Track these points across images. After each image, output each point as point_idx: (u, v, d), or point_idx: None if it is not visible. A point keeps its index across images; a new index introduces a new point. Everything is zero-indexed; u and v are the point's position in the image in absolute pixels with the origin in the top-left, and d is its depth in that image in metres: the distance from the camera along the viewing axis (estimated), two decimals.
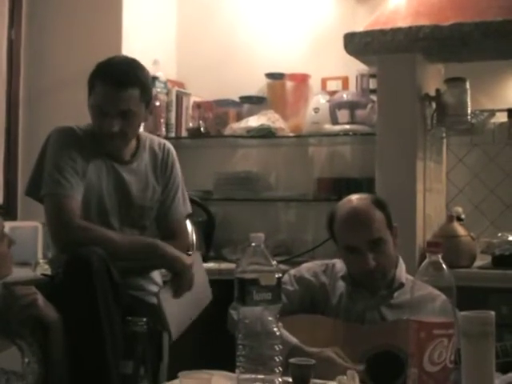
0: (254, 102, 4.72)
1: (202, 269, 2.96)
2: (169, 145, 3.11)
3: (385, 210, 2.70)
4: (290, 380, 2.17)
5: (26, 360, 2.28)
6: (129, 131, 2.87)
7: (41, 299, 2.39)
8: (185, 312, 2.90)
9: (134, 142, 2.99)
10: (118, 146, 2.91)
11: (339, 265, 2.78)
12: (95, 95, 2.83)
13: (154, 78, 4.49)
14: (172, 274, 2.87)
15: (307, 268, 2.82)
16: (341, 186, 4.35)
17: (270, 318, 1.91)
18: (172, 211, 3.04)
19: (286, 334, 2.45)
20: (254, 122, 4.53)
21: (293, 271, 2.82)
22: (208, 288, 3.00)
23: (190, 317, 2.94)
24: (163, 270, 3.02)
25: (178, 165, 3.09)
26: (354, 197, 2.76)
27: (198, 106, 4.75)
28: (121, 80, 2.80)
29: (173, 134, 4.68)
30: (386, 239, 2.66)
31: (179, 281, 2.83)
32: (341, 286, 2.73)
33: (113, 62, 2.91)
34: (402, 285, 2.66)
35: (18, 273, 2.91)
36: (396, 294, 2.66)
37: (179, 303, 2.83)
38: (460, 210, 4.10)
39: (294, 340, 2.48)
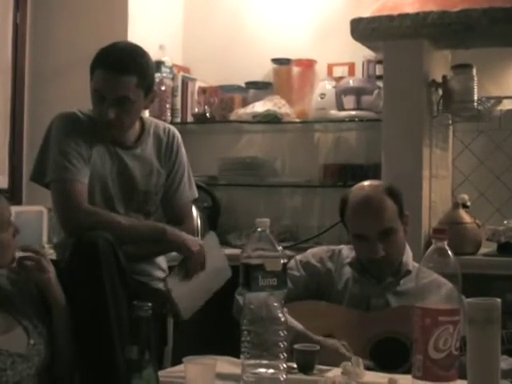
0: (260, 88, 4.71)
1: (217, 247, 2.97)
2: (174, 130, 3.10)
3: (397, 199, 2.68)
4: (295, 366, 2.18)
5: (32, 342, 2.29)
6: (125, 118, 2.85)
7: (55, 279, 2.41)
8: (198, 291, 2.92)
9: (138, 127, 2.99)
10: (114, 134, 2.90)
11: (346, 251, 2.78)
12: (94, 80, 2.83)
13: (160, 63, 4.49)
14: (182, 256, 2.89)
15: (313, 254, 2.82)
16: (346, 173, 4.36)
17: (275, 304, 1.91)
18: (178, 196, 3.04)
19: (292, 320, 2.44)
20: (259, 107, 4.52)
21: (299, 257, 2.82)
22: (225, 264, 3.01)
23: (208, 292, 2.96)
24: (170, 255, 3.03)
25: (183, 150, 3.08)
26: (367, 184, 2.75)
27: (203, 91, 4.74)
28: (117, 66, 2.79)
29: (178, 120, 4.67)
30: (397, 228, 2.65)
31: (188, 264, 2.85)
32: (347, 271, 2.72)
33: (113, 48, 2.89)
34: (408, 272, 2.66)
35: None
36: (402, 282, 2.66)
37: (191, 284, 2.85)
38: (466, 196, 4.10)
39: (299, 326, 2.48)
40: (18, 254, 2.41)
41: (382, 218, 2.62)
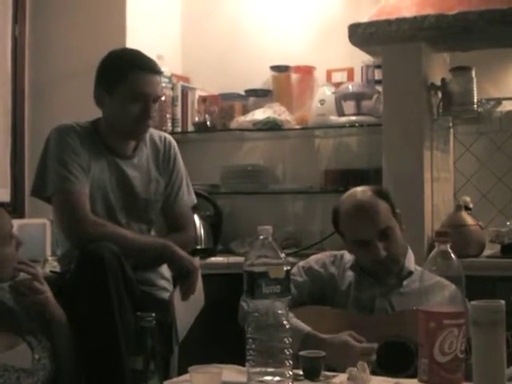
0: (260, 95, 4.71)
1: (200, 275, 2.96)
2: (170, 138, 3.12)
3: (388, 199, 2.72)
4: (301, 372, 2.18)
5: (37, 357, 2.29)
6: (154, 116, 2.98)
7: (52, 298, 2.40)
8: (187, 316, 2.91)
9: None
10: (143, 134, 2.95)
11: (347, 256, 2.80)
12: (133, 82, 2.85)
13: None
14: (179, 276, 2.88)
15: (316, 259, 2.83)
16: (348, 178, 4.34)
17: (279, 311, 1.91)
18: (177, 203, 3.06)
19: (299, 322, 2.46)
20: (259, 114, 4.52)
21: (301, 263, 2.83)
22: (202, 294, 3.00)
23: (190, 322, 2.95)
24: None
25: (180, 157, 3.10)
26: (356, 190, 2.77)
27: (203, 100, 4.74)
28: (152, 67, 2.91)
29: (179, 129, 4.68)
30: (393, 227, 2.67)
31: (188, 283, 2.83)
32: (350, 275, 2.74)
33: (134, 52, 2.99)
34: (410, 273, 2.68)
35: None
36: (405, 283, 2.67)
37: (184, 307, 2.84)
38: (468, 199, 4.09)
39: (306, 328, 2.48)
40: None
41: (377, 219, 2.64)
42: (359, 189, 2.78)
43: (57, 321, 2.39)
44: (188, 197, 3.11)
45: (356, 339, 2.43)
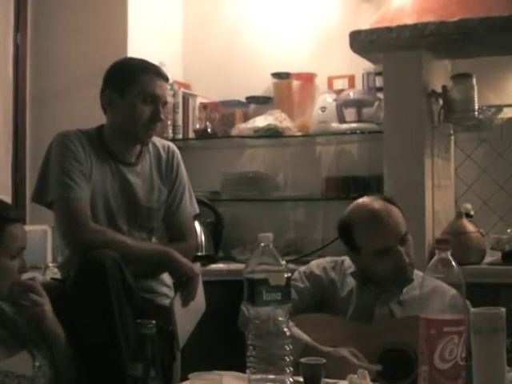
0: (261, 102, 4.72)
1: (200, 280, 2.96)
2: (173, 146, 3.12)
3: (397, 205, 2.71)
4: (301, 380, 2.18)
5: (37, 364, 2.28)
6: (163, 121, 3.01)
7: (50, 312, 2.38)
8: (188, 322, 2.91)
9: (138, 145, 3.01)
10: (150, 138, 2.97)
11: (348, 261, 2.79)
12: (142, 82, 2.88)
13: None
14: (179, 282, 2.88)
15: (317, 264, 2.83)
16: (349, 185, 4.35)
17: (280, 318, 1.91)
18: (179, 212, 3.05)
19: (299, 332, 2.45)
20: (260, 122, 4.52)
21: (302, 268, 2.82)
22: (203, 300, 2.99)
23: (191, 327, 2.95)
24: None
25: (183, 166, 3.10)
26: (365, 201, 2.74)
27: (204, 107, 4.75)
28: (162, 73, 2.96)
29: (180, 136, 4.68)
30: (408, 231, 2.67)
31: (188, 289, 2.83)
32: (350, 282, 2.73)
33: (142, 59, 3.02)
34: (411, 280, 2.66)
35: (28, 277, 2.91)
36: (405, 290, 2.66)
37: (185, 313, 2.83)
38: (469, 206, 4.09)
39: (306, 338, 2.47)
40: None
41: (398, 225, 2.64)
42: (368, 199, 2.75)
43: (53, 336, 2.37)
44: (190, 206, 3.11)
45: (356, 357, 2.42)
